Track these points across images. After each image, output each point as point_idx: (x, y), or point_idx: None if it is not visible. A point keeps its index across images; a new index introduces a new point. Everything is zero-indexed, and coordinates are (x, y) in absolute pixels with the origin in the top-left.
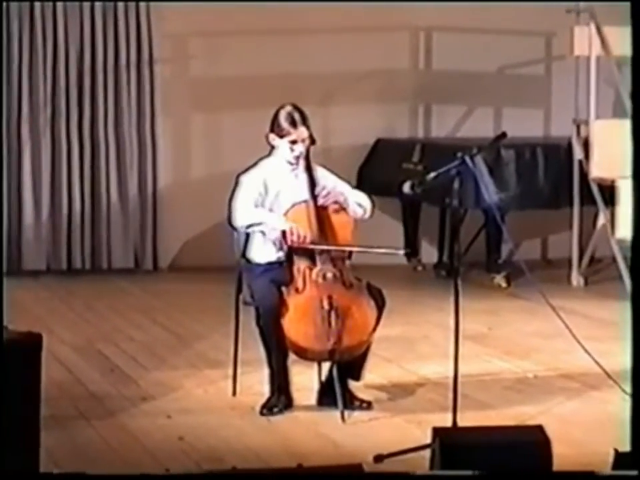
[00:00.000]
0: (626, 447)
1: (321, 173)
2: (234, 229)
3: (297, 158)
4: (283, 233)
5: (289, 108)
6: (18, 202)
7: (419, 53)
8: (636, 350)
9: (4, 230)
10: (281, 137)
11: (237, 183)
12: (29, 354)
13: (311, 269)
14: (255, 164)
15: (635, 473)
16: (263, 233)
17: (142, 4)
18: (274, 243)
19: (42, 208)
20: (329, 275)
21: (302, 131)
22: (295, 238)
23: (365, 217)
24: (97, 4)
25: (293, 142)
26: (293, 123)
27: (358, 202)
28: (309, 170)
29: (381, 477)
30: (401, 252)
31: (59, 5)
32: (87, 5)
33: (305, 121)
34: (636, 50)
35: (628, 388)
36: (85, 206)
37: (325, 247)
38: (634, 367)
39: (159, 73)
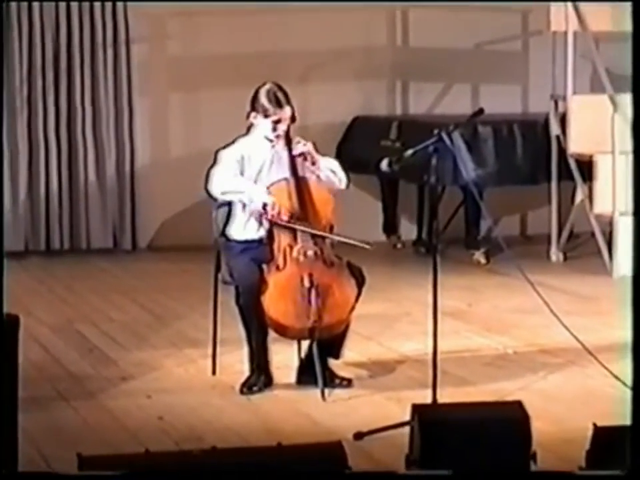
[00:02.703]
0: (605, 421)
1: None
2: (211, 197)
3: (278, 137)
4: (264, 206)
5: (270, 86)
6: None
7: (396, 30)
8: (636, 330)
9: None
10: (265, 116)
11: (215, 158)
12: (6, 336)
13: (291, 247)
14: (233, 142)
15: (621, 473)
16: (243, 204)
17: None
18: (255, 218)
19: (19, 189)
20: (310, 252)
21: (286, 111)
22: (275, 213)
23: (341, 187)
24: None
25: (277, 121)
26: (278, 103)
27: (330, 168)
28: (289, 147)
29: (381, 476)
30: (368, 247)
31: None
32: None
33: (288, 100)
34: (636, 52)
35: (608, 363)
36: (63, 186)
37: (301, 228)
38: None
39: (136, 53)
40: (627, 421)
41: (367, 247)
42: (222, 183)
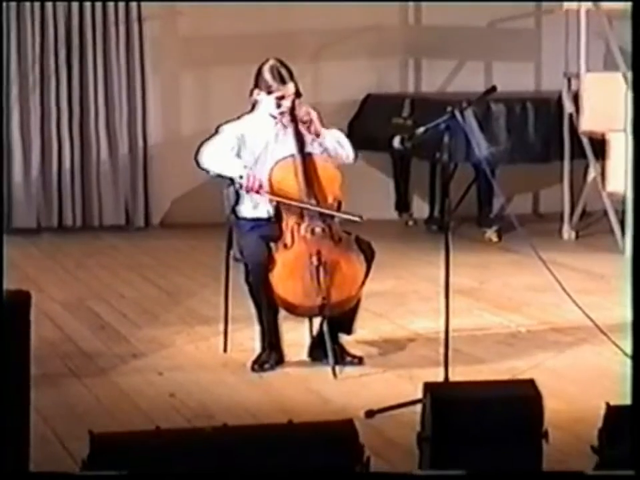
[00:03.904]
0: (618, 400)
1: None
2: (199, 166)
3: (282, 113)
4: (241, 179)
5: (273, 62)
6: (8, 160)
7: (409, 7)
8: (636, 309)
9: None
10: (269, 93)
11: (216, 131)
12: (17, 312)
13: (299, 224)
14: (238, 118)
15: (632, 472)
16: (231, 180)
17: None
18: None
19: (32, 166)
20: (318, 229)
21: (289, 87)
22: (250, 184)
23: (348, 161)
24: None
25: (280, 98)
26: (282, 79)
27: (337, 140)
28: (295, 124)
29: (382, 476)
30: (357, 219)
31: None
32: None
33: (292, 76)
34: (636, 52)
35: (619, 341)
36: (75, 163)
37: (288, 202)
38: (634, 324)
39: (148, 31)
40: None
41: (356, 219)
42: (209, 156)
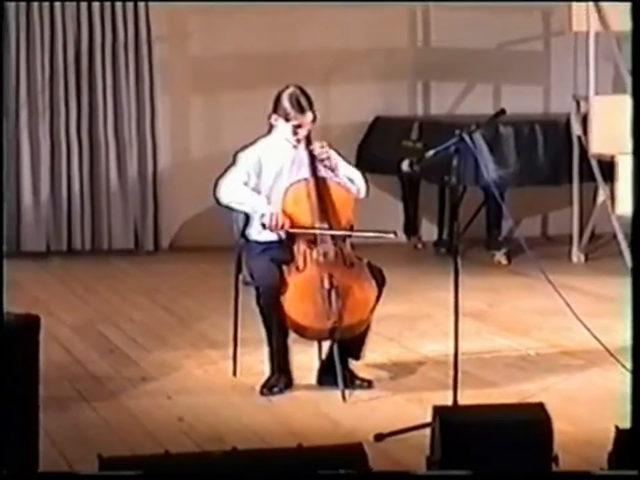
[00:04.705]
0: (628, 423)
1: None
2: (219, 203)
3: (299, 140)
4: (263, 217)
5: (293, 90)
6: (17, 183)
7: (417, 29)
8: (636, 327)
9: (4, 211)
10: (287, 120)
11: (234, 160)
12: (26, 336)
13: (311, 248)
14: (254, 142)
15: (634, 472)
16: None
17: None
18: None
19: (41, 189)
20: (330, 253)
21: (308, 116)
22: (273, 224)
23: (359, 196)
24: None
25: (298, 126)
26: (301, 108)
27: (349, 177)
28: (309, 148)
29: (382, 476)
30: (391, 235)
31: None
32: None
33: (311, 105)
34: (636, 52)
35: (629, 364)
36: (85, 187)
37: (303, 231)
38: (634, 345)
39: (157, 52)
40: None
41: (390, 236)
42: (228, 192)
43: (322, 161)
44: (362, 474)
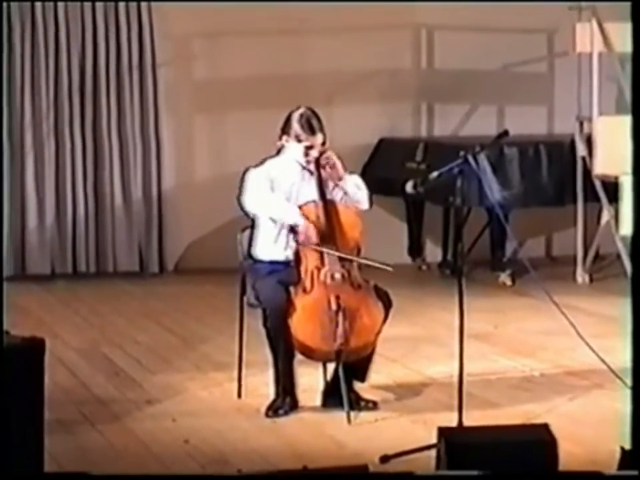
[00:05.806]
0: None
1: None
2: (243, 211)
3: (309, 162)
4: (295, 228)
5: (303, 111)
6: (21, 206)
7: (421, 51)
8: (636, 348)
9: (6, 234)
10: (298, 141)
11: (244, 177)
12: (31, 359)
13: (319, 269)
14: (261, 163)
15: (635, 472)
16: (273, 220)
17: (143, 4)
18: (288, 235)
19: (46, 212)
20: (337, 275)
21: (318, 137)
22: (304, 238)
23: (364, 206)
24: (98, 4)
25: (309, 147)
26: (311, 130)
27: (356, 183)
28: (318, 170)
29: (382, 476)
30: (389, 269)
31: (60, 5)
32: (87, 5)
33: (321, 127)
34: (636, 49)
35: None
36: (89, 209)
37: (326, 250)
38: (634, 365)
39: (161, 75)
40: None
41: (388, 268)
42: (256, 195)
43: (325, 167)
44: (363, 474)
